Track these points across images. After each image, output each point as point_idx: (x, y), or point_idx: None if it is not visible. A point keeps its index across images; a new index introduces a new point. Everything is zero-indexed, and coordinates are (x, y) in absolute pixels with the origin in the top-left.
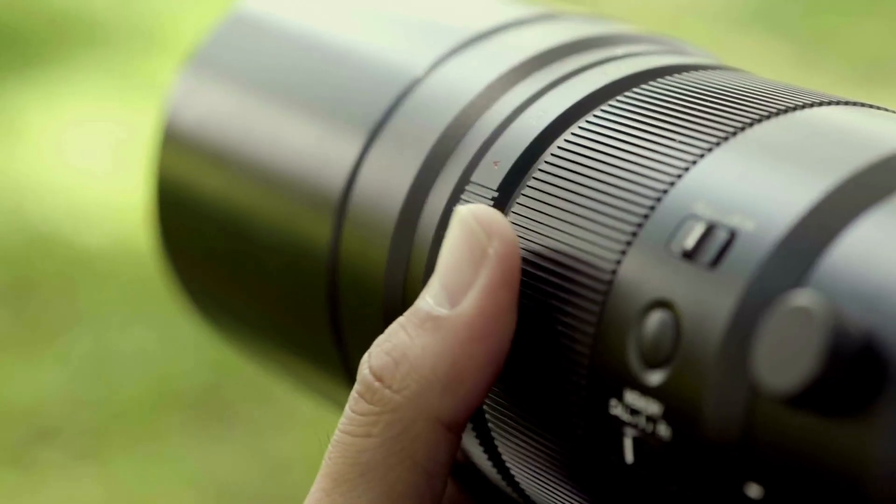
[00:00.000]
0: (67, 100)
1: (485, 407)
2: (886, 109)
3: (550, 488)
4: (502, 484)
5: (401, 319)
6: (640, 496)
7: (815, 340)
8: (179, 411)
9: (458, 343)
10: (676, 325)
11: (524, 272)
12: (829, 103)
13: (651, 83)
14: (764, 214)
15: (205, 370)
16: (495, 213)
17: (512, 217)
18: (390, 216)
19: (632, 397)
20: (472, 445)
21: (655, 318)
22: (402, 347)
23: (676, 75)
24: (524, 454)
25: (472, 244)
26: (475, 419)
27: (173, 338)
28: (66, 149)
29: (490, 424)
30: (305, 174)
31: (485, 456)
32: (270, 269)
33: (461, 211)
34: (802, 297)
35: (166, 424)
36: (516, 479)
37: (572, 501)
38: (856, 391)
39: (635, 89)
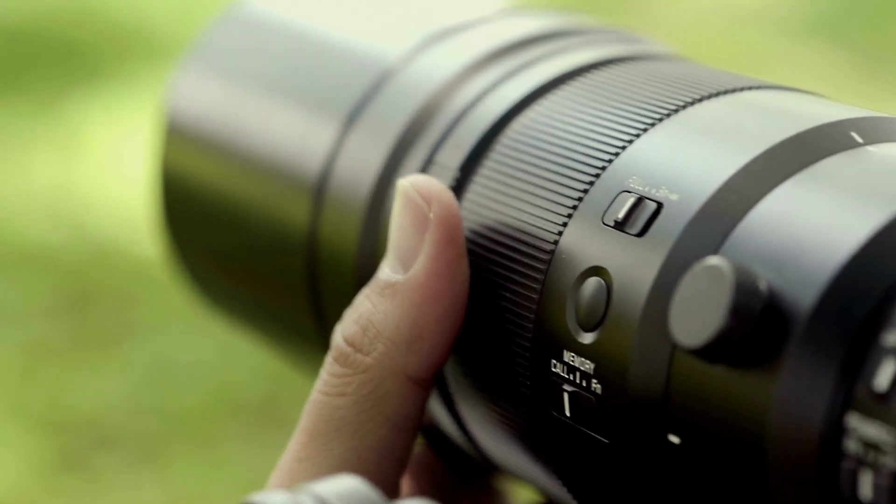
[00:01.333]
0: (127, 113)
1: (446, 372)
2: (816, 94)
3: (504, 446)
4: (466, 445)
5: (365, 290)
6: (579, 449)
7: (722, 298)
8: (237, 419)
9: (415, 304)
10: (608, 290)
11: (480, 245)
12: (760, 88)
13: (597, 70)
14: (687, 187)
15: (262, 379)
16: (432, 181)
17: (471, 194)
18: (362, 196)
19: (569, 357)
20: (437, 409)
21: (590, 284)
22: (367, 315)
23: (621, 64)
24: (480, 415)
25: (415, 212)
26: (439, 384)
27: (231, 348)
28: (126, 161)
29: (451, 388)
30: (288, 158)
31: (449, 419)
32: (258, 249)
33: (401, 183)
34: (713, 260)
35: (224, 432)
36: (477, 440)
37: (523, 457)
38: (761, 345)
39: (584, 76)
